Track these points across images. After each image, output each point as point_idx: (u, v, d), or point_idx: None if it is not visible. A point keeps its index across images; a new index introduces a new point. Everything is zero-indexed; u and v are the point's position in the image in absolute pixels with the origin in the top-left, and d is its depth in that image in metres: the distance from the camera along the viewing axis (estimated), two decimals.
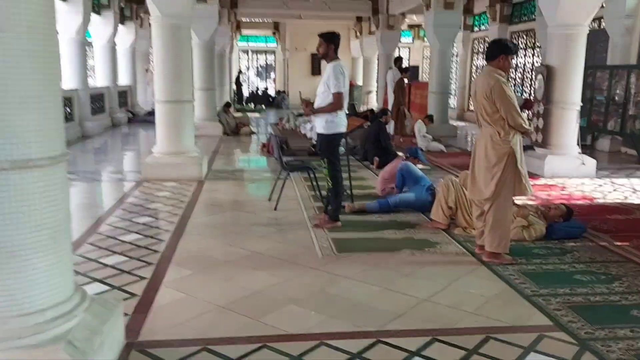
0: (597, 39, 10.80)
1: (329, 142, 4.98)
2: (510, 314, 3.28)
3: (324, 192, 5.62)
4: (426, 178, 5.87)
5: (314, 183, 6.14)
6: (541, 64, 9.27)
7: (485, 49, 4.05)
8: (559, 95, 7.56)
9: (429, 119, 10.64)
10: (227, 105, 13.57)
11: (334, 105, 4.80)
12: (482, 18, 17.21)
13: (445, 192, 4.97)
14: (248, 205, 6.04)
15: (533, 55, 14.28)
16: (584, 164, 7.67)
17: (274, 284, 3.70)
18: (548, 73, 7.72)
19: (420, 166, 6.43)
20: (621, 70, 9.49)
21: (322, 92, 4.92)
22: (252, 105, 22.66)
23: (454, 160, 9.02)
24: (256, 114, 19.37)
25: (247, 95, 24.10)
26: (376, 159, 8.06)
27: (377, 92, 19.40)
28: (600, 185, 7.12)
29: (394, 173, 6.19)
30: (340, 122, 4.94)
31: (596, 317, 3.19)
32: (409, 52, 24.10)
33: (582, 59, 7.61)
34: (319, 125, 5.01)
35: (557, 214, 4.85)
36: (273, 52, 26.75)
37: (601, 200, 6.28)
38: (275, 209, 5.69)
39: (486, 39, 16.67)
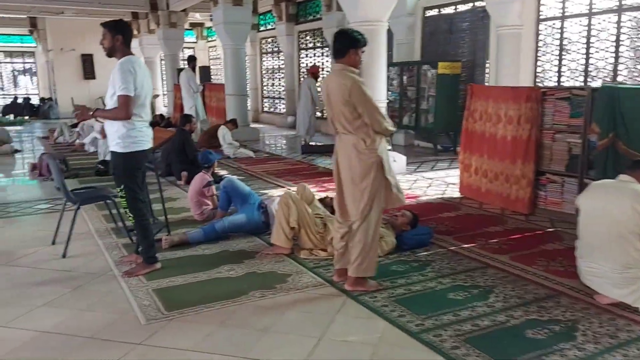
0: None
1: (125, 164, 3.76)
2: None
3: (129, 223, 4.39)
4: (255, 194, 5.03)
5: (114, 211, 4.81)
6: None
7: (332, 44, 3.36)
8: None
9: (232, 123, 9.78)
10: None
11: (118, 111, 3.62)
12: (267, 17, 16.97)
13: (285, 211, 4.19)
14: (23, 255, 4.40)
15: (322, 54, 14.44)
16: (395, 160, 7.68)
17: None
18: None
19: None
20: (411, 66, 9.93)
21: (110, 97, 3.73)
22: (11, 117, 18.99)
23: (266, 167, 8.38)
24: (18, 127, 16.22)
25: (4, 106, 20.21)
26: (184, 173, 6.93)
27: (165, 95, 17.95)
28: (415, 181, 7.16)
29: (200, 191, 5.22)
30: (141, 137, 3.76)
31: (498, 349, 2.74)
32: (195, 52, 22.91)
33: (385, 55, 7.60)
34: (111, 140, 3.79)
35: (404, 222, 4.46)
36: (32, 54, 23.02)
37: (424, 198, 6.22)
38: (64, 255, 4.26)
39: (273, 38, 16.49)
